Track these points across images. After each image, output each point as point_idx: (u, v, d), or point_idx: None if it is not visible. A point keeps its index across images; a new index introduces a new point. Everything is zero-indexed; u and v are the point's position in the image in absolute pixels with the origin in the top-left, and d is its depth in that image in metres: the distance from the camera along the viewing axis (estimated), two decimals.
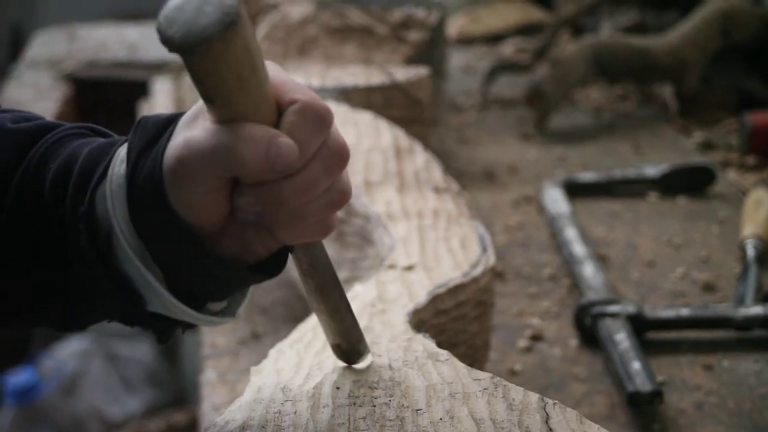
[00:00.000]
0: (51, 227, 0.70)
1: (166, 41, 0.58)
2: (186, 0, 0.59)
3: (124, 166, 0.67)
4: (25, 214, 0.71)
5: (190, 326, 0.73)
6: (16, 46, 4.12)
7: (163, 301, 0.68)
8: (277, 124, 0.63)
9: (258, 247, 0.67)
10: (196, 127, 0.64)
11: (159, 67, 2.64)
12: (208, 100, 0.62)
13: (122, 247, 0.67)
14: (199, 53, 0.58)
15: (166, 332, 0.73)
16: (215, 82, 0.60)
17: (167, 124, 0.67)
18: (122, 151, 0.69)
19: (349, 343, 0.76)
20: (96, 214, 0.68)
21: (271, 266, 0.70)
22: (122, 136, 0.73)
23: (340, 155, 0.65)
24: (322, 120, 0.64)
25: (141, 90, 2.58)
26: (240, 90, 0.61)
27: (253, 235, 0.67)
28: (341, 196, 0.67)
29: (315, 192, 0.65)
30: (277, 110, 0.63)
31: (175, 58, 0.62)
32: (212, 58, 0.59)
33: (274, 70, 0.65)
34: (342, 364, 0.78)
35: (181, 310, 0.69)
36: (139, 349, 2.92)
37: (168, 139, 0.65)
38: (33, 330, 3.22)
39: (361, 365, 0.78)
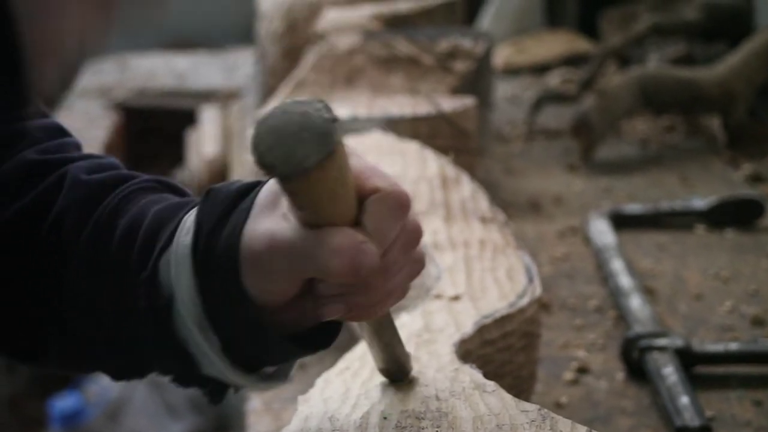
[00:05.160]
0: (116, 284, 0.71)
1: (265, 167, 0.59)
2: (283, 123, 0.59)
3: (190, 237, 0.68)
4: (94, 267, 0.72)
5: (241, 388, 0.74)
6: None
7: (218, 367, 0.69)
8: (359, 213, 0.64)
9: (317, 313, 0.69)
10: (278, 219, 0.64)
11: (207, 96, 2.68)
12: (299, 207, 0.62)
13: (181, 315, 0.68)
14: (298, 180, 0.59)
15: (218, 393, 0.74)
16: (308, 199, 0.61)
17: (238, 197, 0.68)
18: (189, 220, 0.69)
19: (397, 366, 0.78)
20: (158, 279, 0.69)
21: (329, 330, 0.71)
22: (189, 198, 0.74)
23: (416, 235, 0.67)
24: (402, 207, 0.65)
25: (189, 118, 2.61)
26: (330, 203, 0.61)
27: (313, 304, 0.67)
28: (418, 266, 0.69)
29: (394, 272, 0.66)
30: (358, 197, 0.64)
31: (222, 88, 0.63)
32: (309, 183, 0.59)
33: (353, 158, 0.65)
34: (389, 394, 0.78)
35: (236, 377, 0.70)
36: None
37: (245, 218, 0.66)
38: None
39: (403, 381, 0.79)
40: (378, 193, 0.64)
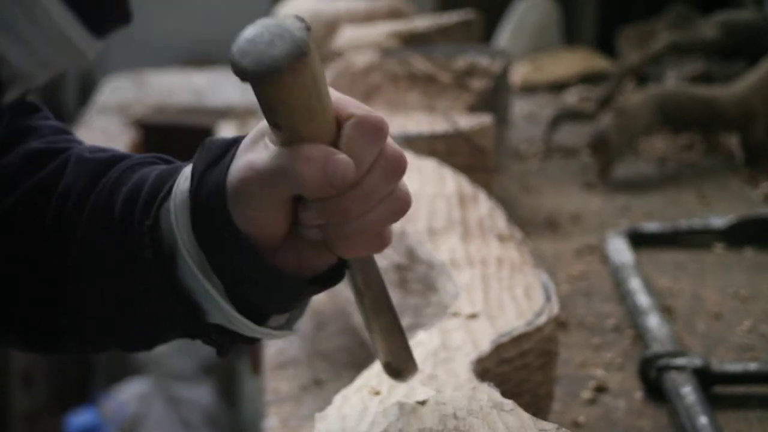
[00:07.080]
0: (119, 242, 0.73)
1: (239, 71, 0.62)
2: (259, 33, 0.63)
3: (188, 183, 0.71)
4: (98, 232, 0.75)
5: (250, 341, 0.75)
6: (85, 91, 4.21)
7: (224, 312, 0.71)
8: (336, 140, 0.66)
9: (316, 261, 0.70)
10: (258, 150, 0.67)
11: (224, 113, 2.68)
12: (275, 125, 0.65)
13: (185, 260, 0.70)
14: (270, 83, 0.62)
15: (226, 345, 0.75)
16: (284, 111, 0.64)
17: (230, 145, 0.71)
18: (187, 170, 0.73)
19: (399, 362, 0.77)
20: (161, 228, 0.71)
21: (328, 279, 0.72)
22: (190, 162, 0.77)
23: (397, 163, 0.68)
24: (377, 131, 0.67)
25: (207, 135, 2.62)
26: (307, 117, 0.64)
27: (310, 250, 0.69)
28: (402, 204, 0.69)
29: (374, 200, 0.67)
30: (336, 125, 0.66)
31: (239, 104, 0.65)
32: (282, 87, 0.62)
33: (333, 91, 0.68)
34: (407, 412, 0.78)
35: (241, 322, 0.71)
36: (200, 392, 2.94)
37: (231, 159, 0.69)
38: (95, 369, 3.25)
39: (408, 381, 0.79)
40: (354, 118, 0.66)
